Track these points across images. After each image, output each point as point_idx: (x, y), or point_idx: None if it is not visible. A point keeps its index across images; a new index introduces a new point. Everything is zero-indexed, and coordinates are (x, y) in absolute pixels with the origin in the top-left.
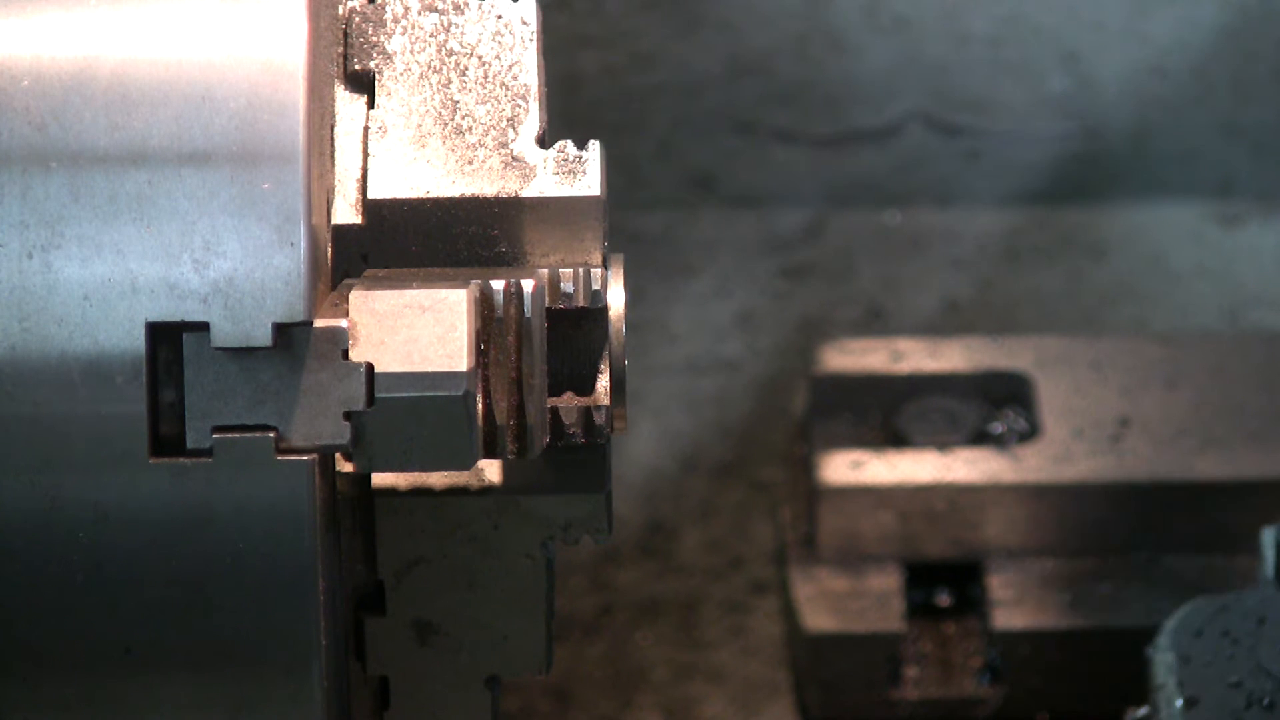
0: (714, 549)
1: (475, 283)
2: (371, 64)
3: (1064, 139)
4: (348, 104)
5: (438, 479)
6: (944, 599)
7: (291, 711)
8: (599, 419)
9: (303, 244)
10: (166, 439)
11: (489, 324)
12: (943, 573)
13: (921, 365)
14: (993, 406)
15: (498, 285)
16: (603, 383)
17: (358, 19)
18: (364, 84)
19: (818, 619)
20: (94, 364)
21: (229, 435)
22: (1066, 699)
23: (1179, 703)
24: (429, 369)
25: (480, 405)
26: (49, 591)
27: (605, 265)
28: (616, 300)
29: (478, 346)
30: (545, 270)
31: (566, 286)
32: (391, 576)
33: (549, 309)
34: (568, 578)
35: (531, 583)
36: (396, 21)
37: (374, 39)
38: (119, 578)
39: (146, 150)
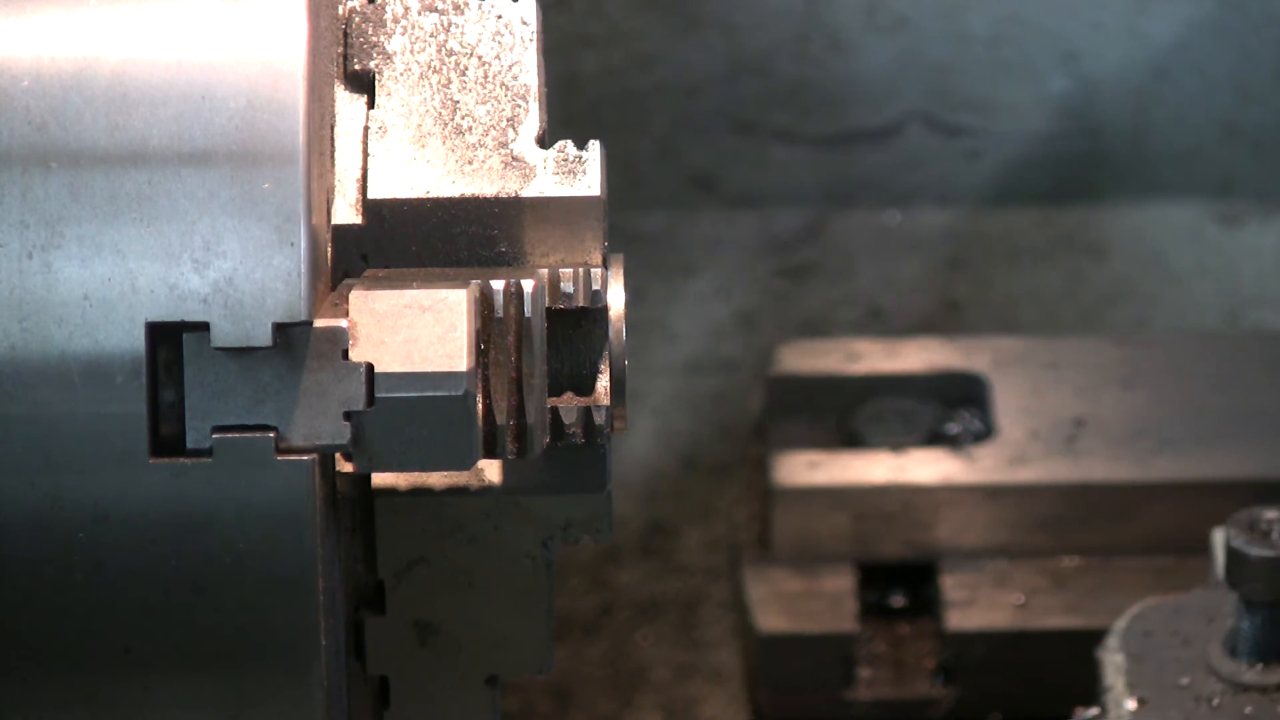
0: (714, 549)
1: (475, 283)
2: (371, 64)
3: (1064, 139)
4: (348, 104)
5: (438, 479)
6: (898, 600)
7: (291, 711)
8: (599, 419)
9: (303, 244)
10: (166, 439)
11: (489, 324)
12: (897, 573)
13: (877, 366)
14: (948, 408)
15: (498, 285)
16: (603, 383)
17: (358, 19)
18: (364, 84)
19: (771, 620)
20: (94, 364)
21: (229, 435)
22: (1020, 700)
23: (1128, 704)
24: (429, 369)
25: (480, 405)
26: (49, 591)
27: (605, 265)
28: (616, 300)
29: (478, 346)
30: (545, 270)
31: (566, 286)
32: (391, 576)
33: (549, 309)
34: (568, 578)
35: (531, 583)
36: (396, 21)
37: (374, 39)
38: (119, 578)
39: (146, 150)
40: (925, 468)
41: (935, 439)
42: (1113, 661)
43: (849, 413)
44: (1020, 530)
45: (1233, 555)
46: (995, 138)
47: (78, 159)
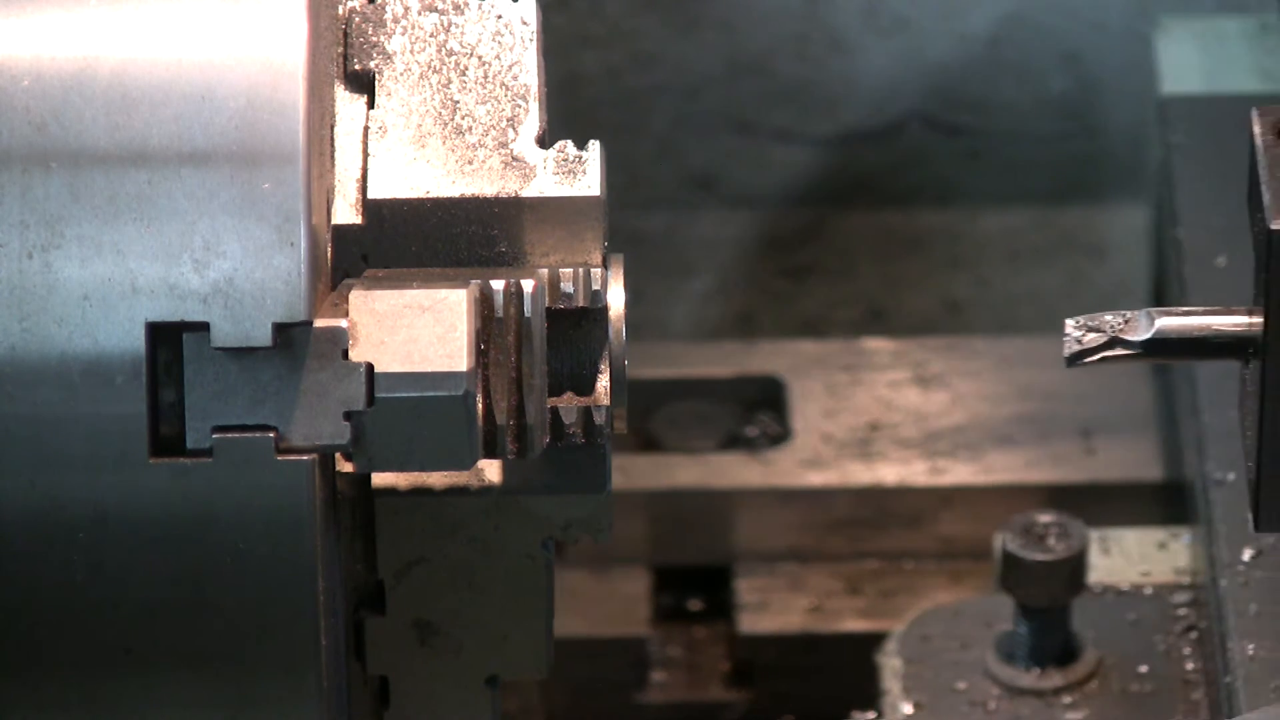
0: None
1: (475, 283)
2: (371, 64)
3: (1064, 139)
4: (348, 104)
5: (438, 479)
6: (694, 603)
7: (291, 711)
8: (599, 419)
9: (303, 244)
10: (166, 439)
11: (489, 324)
12: (694, 577)
13: (676, 369)
14: (746, 411)
15: (498, 285)
16: (603, 383)
17: (358, 19)
18: (364, 84)
19: (564, 622)
20: (94, 364)
21: (229, 435)
22: (812, 703)
23: (905, 708)
24: (429, 369)
25: (480, 405)
26: (49, 591)
27: (605, 265)
28: (616, 300)
29: (478, 346)
30: (545, 270)
31: (566, 286)
32: (391, 576)
33: (549, 309)
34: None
35: (531, 583)
36: (396, 21)
37: (374, 39)
38: (119, 578)
39: (146, 150)
40: (722, 471)
41: (732, 442)
42: (890, 666)
43: (647, 416)
44: (815, 534)
45: (1009, 560)
46: (995, 138)
47: (78, 159)
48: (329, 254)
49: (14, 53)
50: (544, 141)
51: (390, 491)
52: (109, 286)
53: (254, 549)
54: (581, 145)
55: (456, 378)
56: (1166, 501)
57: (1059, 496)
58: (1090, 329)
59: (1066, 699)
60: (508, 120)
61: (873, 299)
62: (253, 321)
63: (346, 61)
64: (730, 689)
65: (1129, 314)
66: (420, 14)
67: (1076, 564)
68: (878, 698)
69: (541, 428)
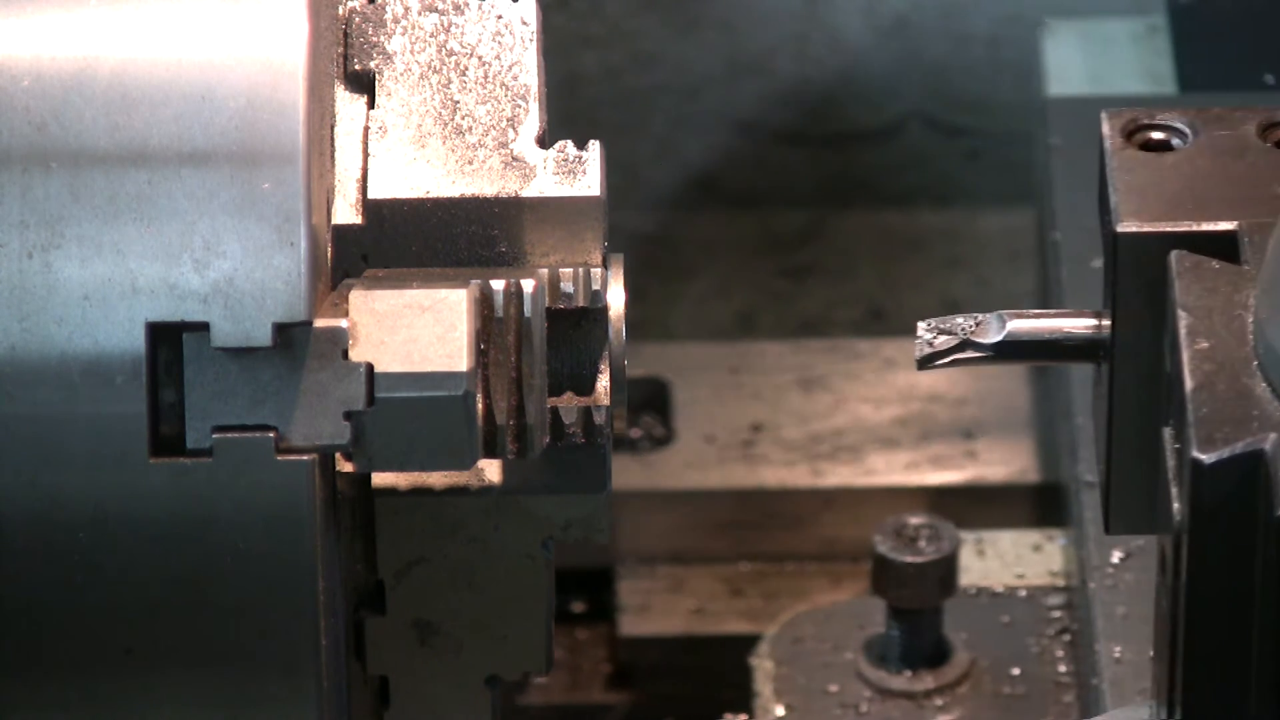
0: None
1: (475, 283)
2: (371, 64)
3: None
4: (348, 104)
5: (438, 479)
6: (576, 605)
7: (291, 711)
8: (599, 419)
9: (303, 244)
10: (166, 439)
11: (489, 324)
12: (575, 578)
13: None
14: (630, 412)
15: (498, 285)
16: (603, 383)
17: (358, 19)
18: (364, 84)
19: None
20: (94, 364)
21: (229, 435)
22: (694, 704)
23: (777, 710)
24: (429, 369)
25: (480, 405)
26: (49, 592)
27: (605, 265)
28: (616, 300)
29: (478, 346)
30: (545, 270)
31: (566, 286)
32: (391, 576)
33: (549, 309)
34: None
35: (531, 583)
36: (396, 21)
37: (374, 39)
38: (119, 578)
39: (146, 150)
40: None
41: (616, 444)
42: (763, 668)
43: None
44: (697, 536)
45: (879, 562)
46: (995, 138)
47: (78, 159)
48: (329, 254)
49: (14, 53)
50: (544, 141)
51: (390, 491)
52: (109, 286)
53: (254, 549)
54: (581, 145)
55: (456, 378)
56: (1045, 504)
57: (940, 498)
58: (942, 331)
59: (938, 701)
60: (508, 120)
61: (873, 299)
62: (253, 321)
63: (347, 61)
64: (611, 691)
65: (980, 316)
66: (420, 14)
67: (947, 566)
68: (750, 700)
69: (541, 428)
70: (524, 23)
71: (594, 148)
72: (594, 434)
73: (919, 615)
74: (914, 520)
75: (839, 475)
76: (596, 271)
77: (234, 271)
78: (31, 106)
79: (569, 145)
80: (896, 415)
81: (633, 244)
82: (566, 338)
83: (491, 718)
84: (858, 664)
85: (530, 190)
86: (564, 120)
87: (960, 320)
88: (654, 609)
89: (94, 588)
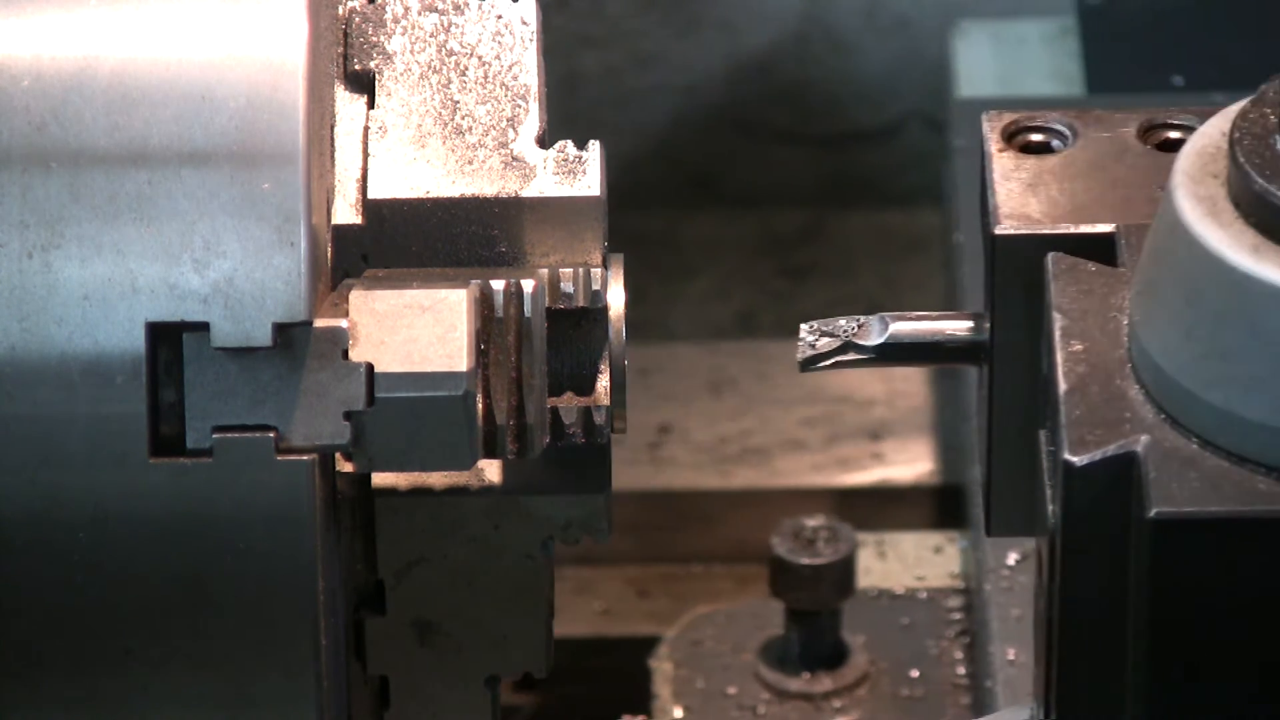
0: None
1: (475, 283)
2: (371, 64)
3: None
4: (348, 104)
5: (438, 479)
6: None
7: (291, 711)
8: (599, 419)
9: (303, 244)
10: (166, 439)
11: (489, 324)
12: None
13: None
14: None
15: (498, 285)
16: (603, 383)
17: (358, 19)
18: (364, 84)
19: None
20: (94, 364)
21: (229, 435)
22: (602, 706)
23: (675, 712)
24: (429, 369)
25: (480, 405)
26: (49, 591)
27: (605, 265)
28: (616, 300)
29: (478, 346)
30: (545, 270)
31: (566, 286)
32: (391, 576)
33: (549, 309)
34: None
35: (531, 583)
36: (396, 21)
37: (374, 39)
38: (119, 578)
39: (146, 150)
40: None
41: None
42: (661, 670)
43: None
44: None
45: (777, 565)
46: None
47: (78, 159)
48: (329, 254)
49: (14, 53)
50: (544, 141)
51: (390, 491)
52: (109, 286)
53: (254, 549)
54: (581, 145)
55: (456, 378)
56: (950, 506)
57: (845, 500)
58: (824, 333)
59: (836, 703)
60: (508, 120)
61: (873, 299)
62: (253, 321)
63: (346, 61)
64: (519, 693)
65: (862, 319)
66: (420, 14)
67: (845, 568)
68: (649, 702)
69: (541, 428)
70: (524, 23)
71: (594, 148)
72: (594, 434)
73: (817, 617)
74: (812, 522)
75: (746, 477)
76: (596, 271)
77: (234, 271)
78: (31, 106)
79: (569, 145)
80: (804, 417)
81: (633, 244)
82: (566, 338)
83: (491, 718)
84: (756, 666)
85: (530, 190)
86: (564, 120)
87: (842, 322)
88: (561, 611)
89: (94, 588)
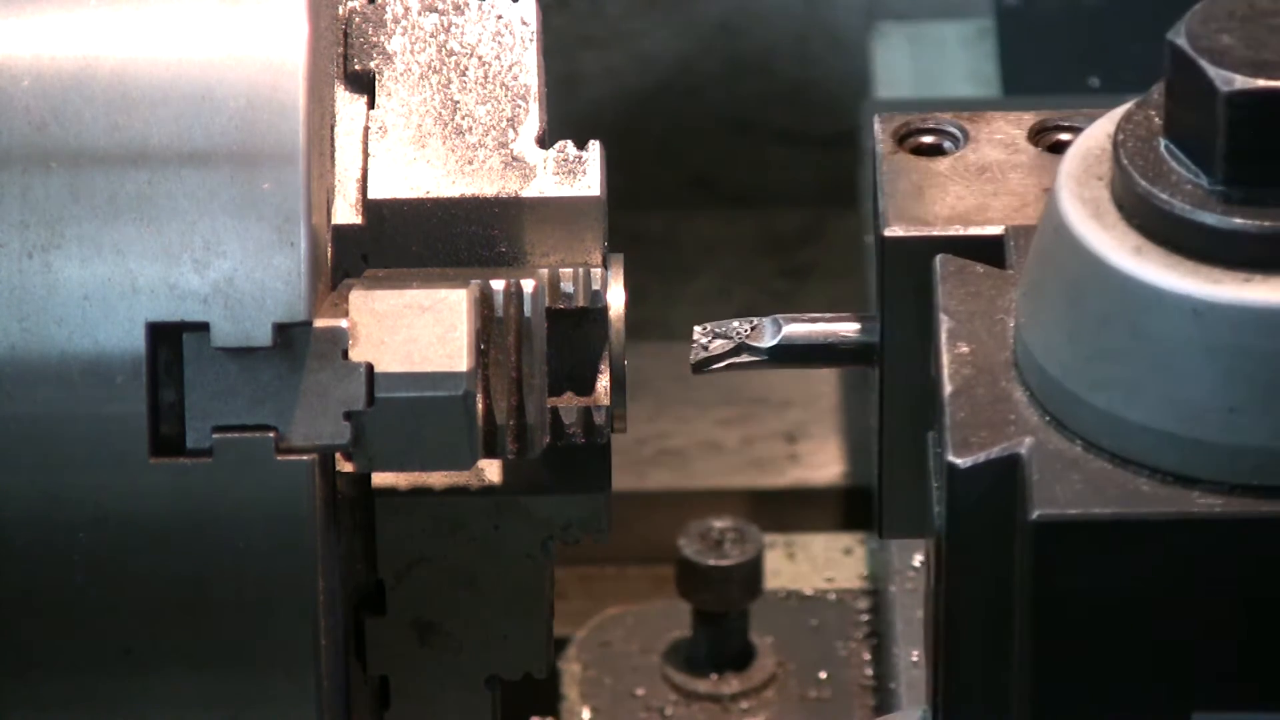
0: None
1: (475, 283)
2: (371, 64)
3: None
4: (348, 104)
5: (438, 479)
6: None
7: (291, 711)
8: (599, 419)
9: (303, 244)
10: (166, 439)
11: (489, 324)
12: None
13: None
14: None
15: (498, 285)
16: (603, 383)
17: (358, 19)
18: (364, 84)
19: None
20: (94, 364)
21: (229, 435)
22: (517, 707)
23: (584, 714)
24: (429, 369)
25: (480, 405)
26: (49, 591)
27: (605, 265)
28: (616, 300)
29: (478, 346)
30: (545, 270)
31: (566, 286)
32: (391, 576)
33: (549, 309)
34: None
35: (531, 583)
36: (396, 21)
37: (374, 39)
38: (119, 578)
39: (147, 150)
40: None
41: None
42: (570, 671)
43: None
44: None
45: (684, 566)
46: None
47: (78, 159)
48: (329, 254)
49: (14, 53)
50: (544, 141)
51: (390, 491)
52: (109, 286)
53: (254, 549)
54: (581, 145)
55: (456, 378)
56: (864, 507)
57: (760, 501)
58: (718, 335)
59: (743, 704)
60: (508, 120)
61: (873, 299)
62: (253, 321)
63: (347, 61)
64: None
65: (756, 320)
66: (420, 14)
67: (752, 569)
68: (557, 704)
69: (541, 428)
70: (524, 23)
71: (594, 148)
72: (594, 434)
73: (724, 619)
74: (719, 524)
75: (661, 478)
76: (596, 271)
77: (234, 271)
78: (31, 106)
79: (569, 145)
80: (720, 418)
81: (633, 244)
82: (566, 338)
83: (492, 718)
84: (663, 667)
85: (530, 190)
86: (564, 120)
87: (736, 324)
88: None
89: (94, 588)
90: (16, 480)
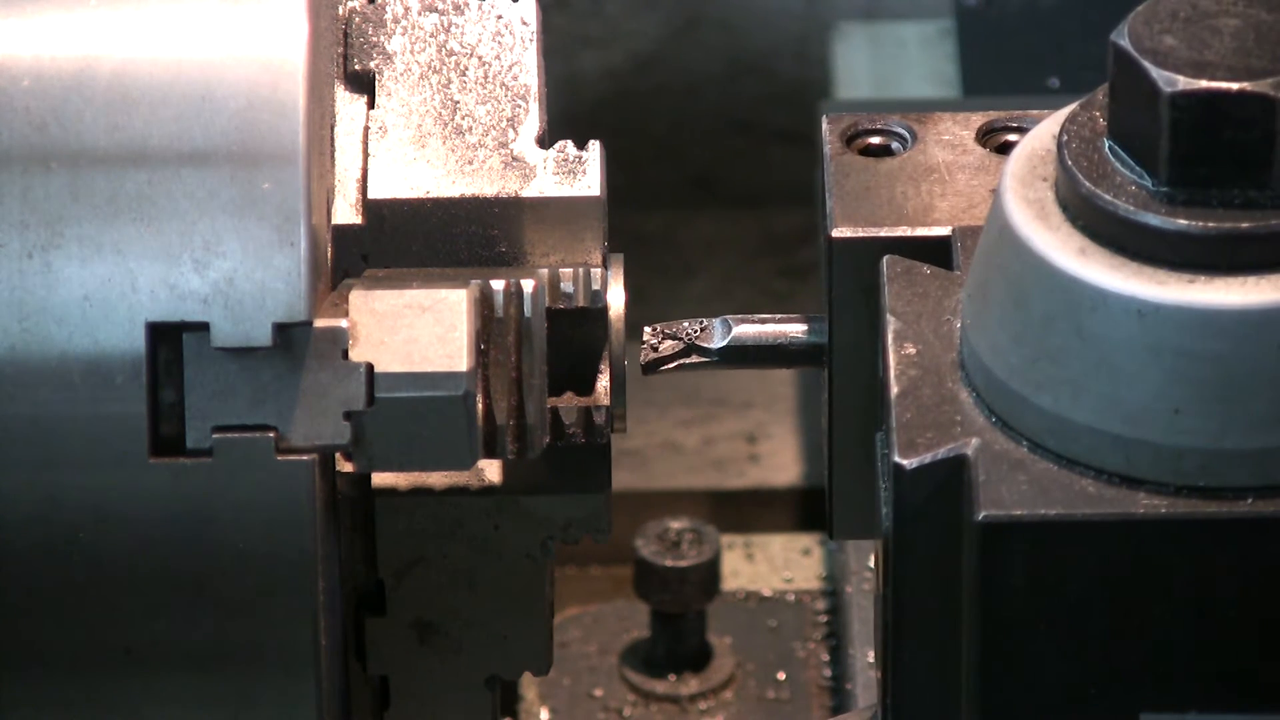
0: None
1: (475, 283)
2: (371, 64)
3: None
4: (348, 104)
5: (438, 479)
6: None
7: (291, 711)
8: (599, 419)
9: (303, 244)
10: (166, 439)
11: (489, 324)
12: None
13: None
14: None
15: (498, 285)
16: (603, 383)
17: (358, 19)
18: (364, 84)
19: None
20: (94, 364)
21: (229, 435)
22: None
23: (542, 714)
24: (429, 369)
25: (480, 405)
26: (49, 591)
27: (605, 265)
28: (616, 300)
29: (478, 346)
30: (545, 270)
31: (566, 286)
32: (391, 576)
33: (549, 309)
34: None
35: (531, 583)
36: (396, 21)
37: (374, 39)
38: (119, 578)
39: (146, 150)
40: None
41: None
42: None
43: None
44: None
45: (642, 566)
46: None
47: (78, 159)
48: (329, 254)
49: (14, 53)
50: (544, 141)
51: (390, 491)
52: (109, 286)
53: (254, 549)
54: (581, 145)
55: (456, 378)
56: (820, 508)
57: (720, 501)
58: (668, 336)
59: (701, 705)
60: (508, 120)
61: None
62: (253, 321)
63: (347, 61)
64: None
65: (705, 321)
66: (420, 14)
67: (709, 570)
68: (515, 704)
69: (541, 428)
70: (524, 23)
71: (594, 148)
72: (594, 434)
73: (681, 619)
74: (676, 524)
75: (621, 479)
76: (596, 271)
77: (234, 271)
78: (31, 106)
79: (569, 145)
80: (681, 419)
81: (633, 244)
82: (566, 338)
83: (491, 718)
84: (622, 668)
85: (530, 190)
86: (564, 120)
87: (686, 325)
88: None
89: (94, 588)
90: (16, 480)
